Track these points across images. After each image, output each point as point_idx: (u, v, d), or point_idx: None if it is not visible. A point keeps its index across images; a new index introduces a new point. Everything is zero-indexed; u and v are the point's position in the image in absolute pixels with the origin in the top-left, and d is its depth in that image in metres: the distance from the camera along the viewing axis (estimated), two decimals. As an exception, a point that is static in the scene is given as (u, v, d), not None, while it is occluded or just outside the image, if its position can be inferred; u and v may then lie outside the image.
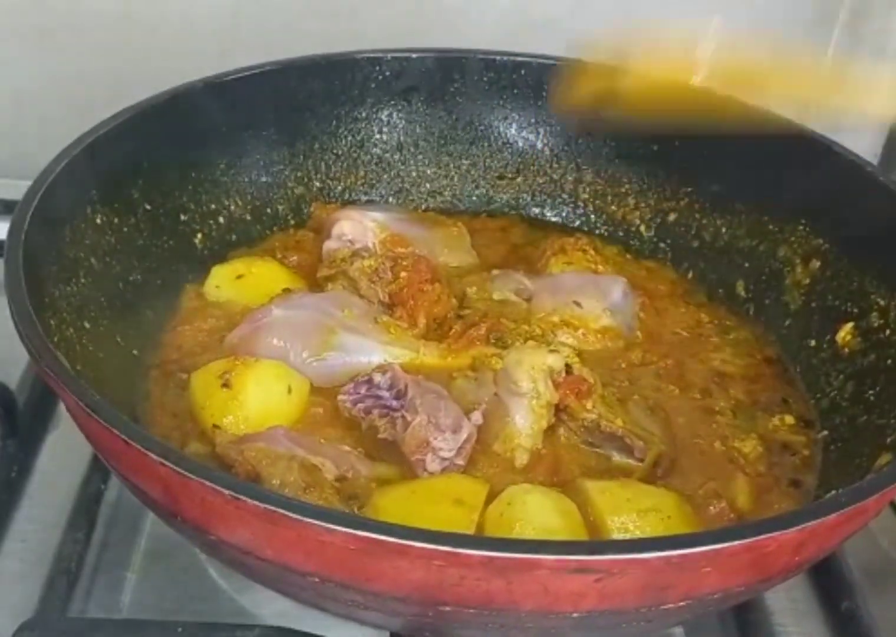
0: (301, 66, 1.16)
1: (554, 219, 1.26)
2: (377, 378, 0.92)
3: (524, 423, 0.90)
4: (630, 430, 0.90)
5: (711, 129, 1.13)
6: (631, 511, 0.82)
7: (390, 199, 1.25)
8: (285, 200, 1.19)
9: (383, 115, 1.23)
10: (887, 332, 0.95)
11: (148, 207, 1.04)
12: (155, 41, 1.37)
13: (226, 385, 0.90)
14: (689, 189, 1.18)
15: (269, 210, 1.18)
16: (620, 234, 1.23)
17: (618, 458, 0.91)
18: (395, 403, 0.89)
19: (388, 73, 1.20)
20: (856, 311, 1.00)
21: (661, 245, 1.20)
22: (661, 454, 0.90)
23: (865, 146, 1.49)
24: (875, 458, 0.84)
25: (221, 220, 1.13)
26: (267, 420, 0.89)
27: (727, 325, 1.09)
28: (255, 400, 0.90)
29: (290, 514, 0.63)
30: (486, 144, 1.25)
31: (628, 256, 1.20)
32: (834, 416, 0.96)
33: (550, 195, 1.25)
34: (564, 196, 1.25)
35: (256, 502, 0.63)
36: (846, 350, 0.99)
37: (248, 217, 1.16)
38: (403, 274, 1.04)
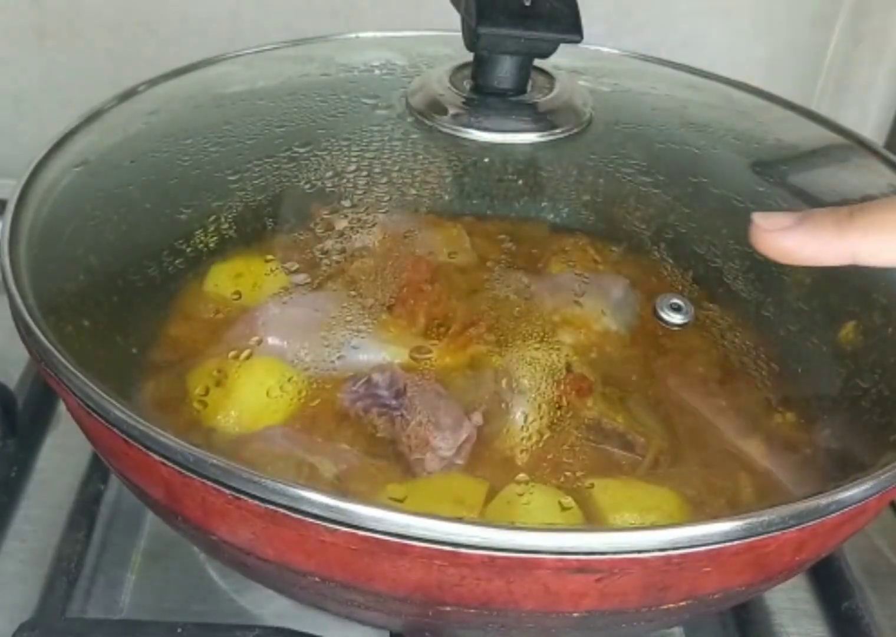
0: (301, 66, 1.17)
1: (554, 219, 1.26)
2: (376, 377, 0.92)
3: (524, 421, 0.90)
4: (631, 427, 0.90)
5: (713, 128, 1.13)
6: (633, 510, 0.82)
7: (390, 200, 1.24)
8: (285, 199, 1.19)
9: (383, 115, 1.22)
10: (889, 330, 0.95)
11: (148, 206, 1.04)
12: (155, 41, 1.37)
13: (218, 383, 0.89)
14: (690, 188, 1.18)
15: (269, 209, 1.18)
16: (621, 233, 1.22)
17: (619, 454, 0.91)
18: (393, 402, 0.89)
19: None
20: (857, 309, 0.99)
21: (662, 244, 1.20)
22: (662, 450, 0.90)
23: (866, 145, 1.49)
24: (875, 457, 0.84)
25: (221, 218, 1.13)
26: (261, 418, 0.88)
27: (728, 324, 1.09)
28: (248, 398, 0.89)
29: (292, 514, 0.63)
30: (485, 144, 1.25)
31: (629, 256, 1.19)
32: (835, 415, 0.96)
33: (550, 194, 1.25)
34: (565, 195, 1.24)
35: (257, 502, 0.63)
36: (848, 348, 0.99)
37: (248, 216, 1.16)
38: (403, 274, 1.04)
